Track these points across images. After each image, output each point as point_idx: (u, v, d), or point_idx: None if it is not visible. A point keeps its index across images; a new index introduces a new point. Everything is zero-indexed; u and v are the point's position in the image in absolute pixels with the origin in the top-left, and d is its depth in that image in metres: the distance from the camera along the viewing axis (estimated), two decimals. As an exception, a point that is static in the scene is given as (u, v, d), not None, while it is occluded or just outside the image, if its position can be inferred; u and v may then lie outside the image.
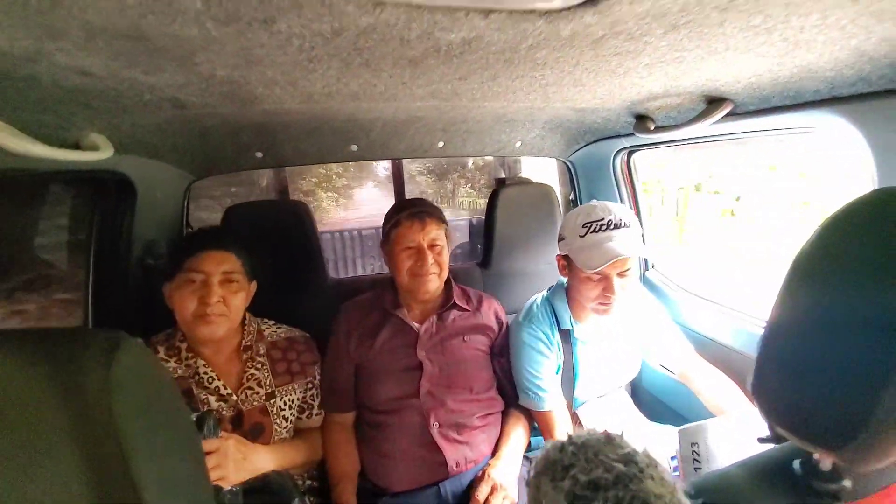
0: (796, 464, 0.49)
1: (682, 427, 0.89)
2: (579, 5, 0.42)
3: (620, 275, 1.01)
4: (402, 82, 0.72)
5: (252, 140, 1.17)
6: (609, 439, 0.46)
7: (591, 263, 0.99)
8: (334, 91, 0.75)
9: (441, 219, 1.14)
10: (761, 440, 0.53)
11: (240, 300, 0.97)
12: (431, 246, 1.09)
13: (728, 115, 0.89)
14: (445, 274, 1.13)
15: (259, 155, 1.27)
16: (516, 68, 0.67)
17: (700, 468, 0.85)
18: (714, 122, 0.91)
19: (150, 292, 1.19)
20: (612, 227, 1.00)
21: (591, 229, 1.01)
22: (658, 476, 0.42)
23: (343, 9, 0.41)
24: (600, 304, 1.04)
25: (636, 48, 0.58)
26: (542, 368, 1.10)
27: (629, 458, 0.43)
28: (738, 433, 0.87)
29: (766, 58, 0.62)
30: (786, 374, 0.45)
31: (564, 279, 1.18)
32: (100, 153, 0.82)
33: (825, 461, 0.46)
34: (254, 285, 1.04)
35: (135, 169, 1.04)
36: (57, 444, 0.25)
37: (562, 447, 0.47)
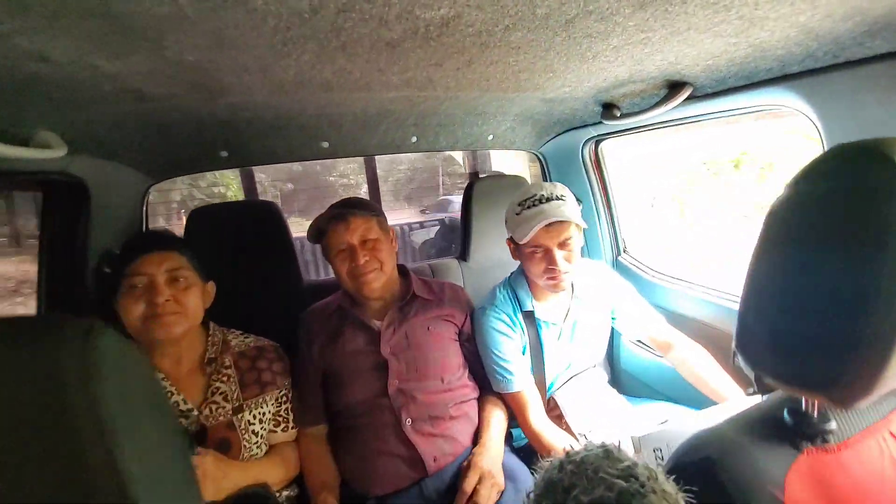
0: (785, 412, 0.51)
1: (642, 434, 0.88)
2: None
3: (561, 246, 1.05)
4: (378, 69, 0.71)
5: (216, 138, 1.12)
6: (607, 453, 0.46)
7: (524, 234, 1.03)
8: (307, 79, 0.73)
9: (370, 211, 1.08)
10: (749, 394, 0.55)
11: (193, 297, 0.92)
12: (363, 242, 1.05)
13: (688, 98, 0.95)
14: (389, 267, 1.09)
15: (224, 154, 1.22)
16: (491, 52, 0.68)
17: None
18: (675, 107, 0.96)
19: (107, 304, 1.12)
20: (543, 200, 1.05)
21: (525, 206, 1.06)
22: (660, 489, 0.42)
23: None
24: (549, 278, 1.07)
25: (606, 29, 0.61)
26: (507, 349, 1.11)
27: (629, 473, 0.43)
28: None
29: (724, 37, 0.66)
30: (768, 325, 0.47)
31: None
32: (51, 152, 0.76)
33: (812, 406, 0.49)
34: (211, 285, 0.99)
35: (89, 170, 0.97)
36: (40, 430, 0.24)
37: (560, 466, 0.46)
